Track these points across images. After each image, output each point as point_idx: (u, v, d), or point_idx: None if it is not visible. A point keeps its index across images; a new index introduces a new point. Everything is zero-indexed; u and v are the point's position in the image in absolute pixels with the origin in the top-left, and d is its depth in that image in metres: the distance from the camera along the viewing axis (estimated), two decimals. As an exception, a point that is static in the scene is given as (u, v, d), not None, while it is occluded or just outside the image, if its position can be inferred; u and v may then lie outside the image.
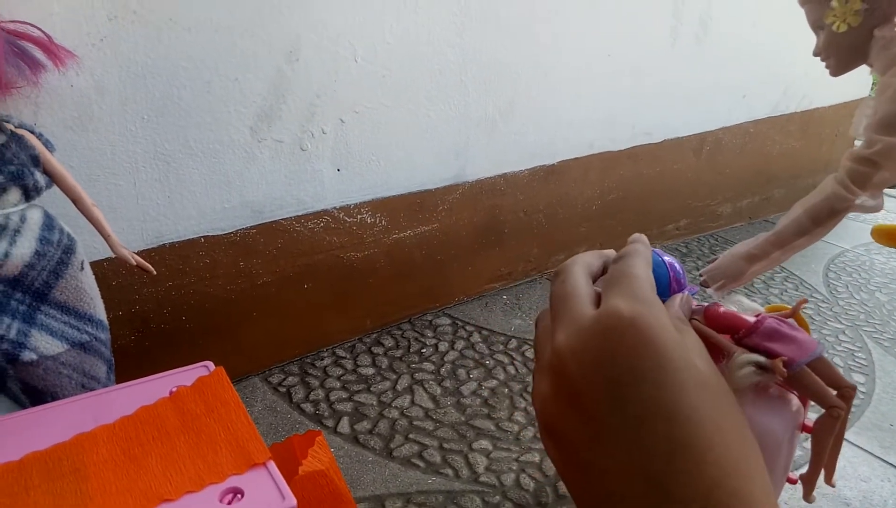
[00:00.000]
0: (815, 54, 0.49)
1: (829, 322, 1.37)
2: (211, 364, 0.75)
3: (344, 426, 1.00)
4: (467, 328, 1.27)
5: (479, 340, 1.24)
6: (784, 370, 0.68)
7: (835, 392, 0.74)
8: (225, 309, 1.02)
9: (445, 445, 0.97)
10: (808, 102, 1.89)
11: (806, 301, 0.79)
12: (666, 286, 0.44)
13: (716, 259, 0.58)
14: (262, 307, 1.07)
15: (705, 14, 1.49)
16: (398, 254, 1.20)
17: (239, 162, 0.97)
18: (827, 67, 0.48)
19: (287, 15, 0.94)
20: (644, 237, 0.38)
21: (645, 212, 1.59)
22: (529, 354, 1.20)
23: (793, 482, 0.79)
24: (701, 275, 0.62)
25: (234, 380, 1.08)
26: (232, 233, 1.00)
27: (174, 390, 0.66)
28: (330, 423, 1.01)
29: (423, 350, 1.19)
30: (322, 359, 1.16)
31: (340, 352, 1.18)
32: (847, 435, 1.05)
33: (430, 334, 1.24)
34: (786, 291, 1.49)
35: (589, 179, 1.46)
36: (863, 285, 1.55)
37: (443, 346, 1.21)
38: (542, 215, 1.41)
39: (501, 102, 1.25)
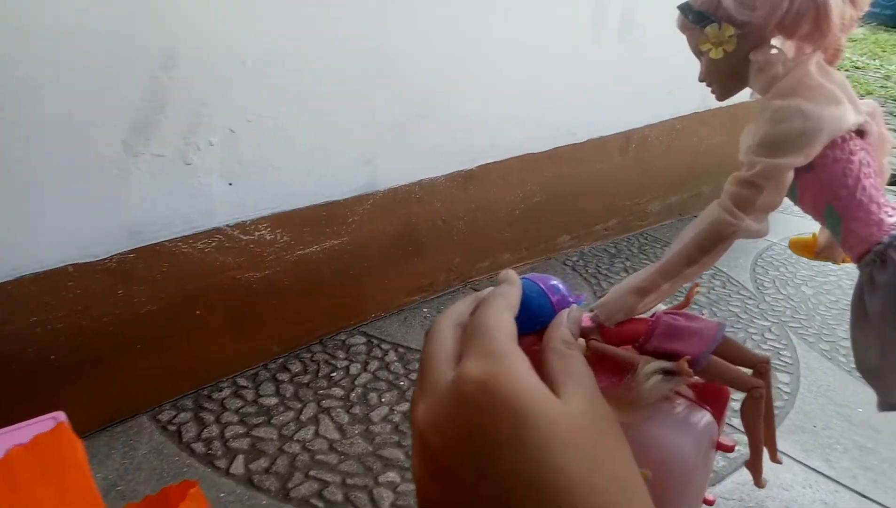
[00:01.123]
0: (700, 80, 0.48)
1: (755, 320, 1.35)
2: (61, 415, 0.65)
3: (238, 466, 0.92)
4: (383, 346, 1.20)
5: (395, 359, 1.16)
6: (690, 370, 0.64)
7: (750, 371, 0.71)
8: (103, 343, 0.92)
9: (349, 480, 0.90)
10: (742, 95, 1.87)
11: (698, 285, 0.75)
12: (550, 314, 0.39)
13: (604, 294, 0.53)
14: (149, 338, 0.97)
15: (627, 9, 1.45)
16: (304, 271, 1.12)
17: (111, 180, 0.87)
18: (712, 92, 0.48)
19: (160, 16, 0.84)
20: (511, 274, 0.37)
21: (571, 213, 1.54)
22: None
23: (709, 503, 0.76)
24: (591, 311, 0.57)
25: (118, 421, 0.99)
26: (107, 259, 0.90)
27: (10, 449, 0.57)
28: (222, 464, 0.92)
29: (333, 374, 1.11)
30: (221, 390, 1.07)
31: (242, 381, 1.09)
32: (771, 444, 1.02)
33: (342, 355, 1.16)
34: (713, 288, 1.47)
35: (510, 182, 1.40)
36: (789, 280, 1.54)
37: (354, 368, 1.13)
38: (463, 222, 1.35)
39: (413, 105, 1.18)
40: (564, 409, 0.25)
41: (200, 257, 0.99)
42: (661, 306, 0.77)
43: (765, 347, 1.25)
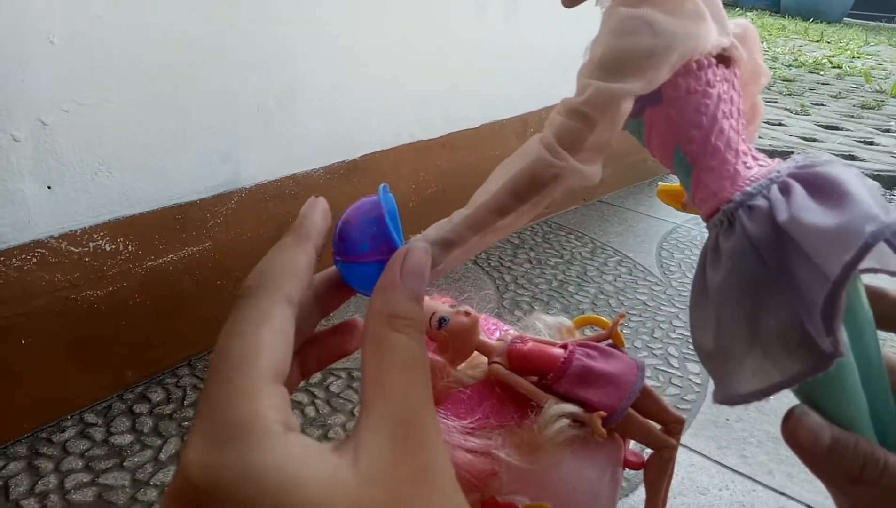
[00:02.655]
0: None
1: (663, 307, 1.29)
2: None
3: (75, 525, 0.77)
4: (261, 363, 1.06)
5: (274, 377, 1.03)
6: (603, 430, 0.56)
7: (660, 427, 0.63)
8: None
9: (209, 532, 0.76)
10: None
11: (623, 317, 0.66)
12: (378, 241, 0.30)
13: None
14: (-44, 378, 0.80)
15: (515, -16, 1.36)
16: (159, 285, 0.97)
17: None
18: None
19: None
20: (316, 207, 0.30)
21: (467, 201, 1.44)
22: (335, 388, 1.01)
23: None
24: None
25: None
26: None
27: None
28: (55, 524, 0.77)
29: (200, 401, 0.97)
30: (63, 431, 0.91)
31: (90, 417, 0.93)
32: (683, 439, 0.96)
33: (211, 377, 1.02)
34: (619, 276, 1.41)
35: (401, 173, 1.29)
36: (695, 262, 1.50)
37: (225, 392, 0.99)
38: (350, 219, 1.22)
39: (277, 90, 1.04)
40: (341, 478, 0.19)
41: (19, 277, 0.82)
42: (579, 335, 0.68)
43: (673, 335, 1.20)
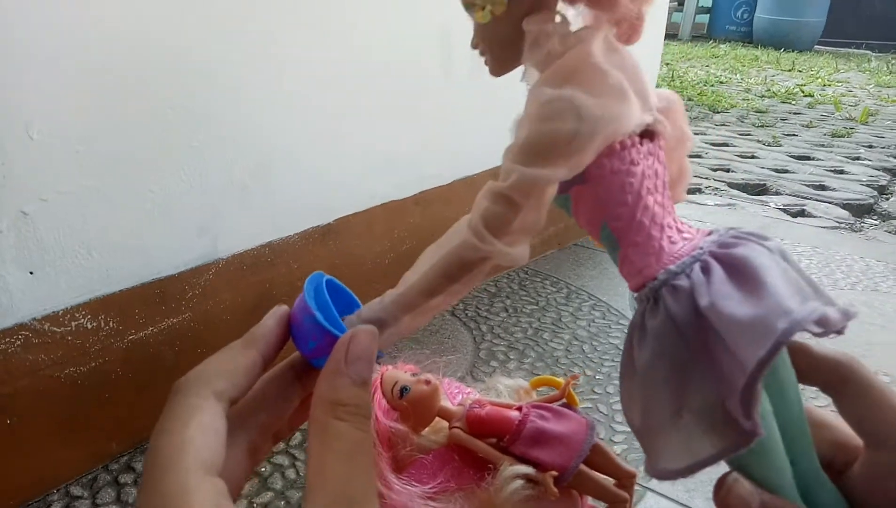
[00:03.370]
0: (472, 47, 0.37)
1: (636, 350, 1.33)
2: None
3: None
4: (242, 427, 1.09)
5: (256, 441, 1.06)
6: (555, 489, 0.59)
7: (614, 482, 0.66)
8: None
9: None
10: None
11: (576, 378, 0.70)
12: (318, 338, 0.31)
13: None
14: (-57, 462, 0.83)
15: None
16: (140, 358, 1.00)
17: None
18: (485, 63, 0.37)
19: None
20: (264, 324, 0.31)
21: (446, 257, 1.49)
22: (315, 448, 1.04)
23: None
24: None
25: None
26: None
27: None
28: None
29: (183, 469, 1.00)
30: (49, 506, 0.93)
31: (76, 490, 0.96)
32: (652, 484, 0.98)
33: (194, 444, 1.05)
34: (593, 321, 1.45)
35: (375, 232, 1.33)
36: (668, 302, 1.54)
37: (207, 459, 1.02)
38: (327, 280, 1.26)
39: (251, 163, 1.09)
40: None
41: (3, 360, 0.86)
42: (535, 395, 0.71)
43: (644, 378, 1.23)
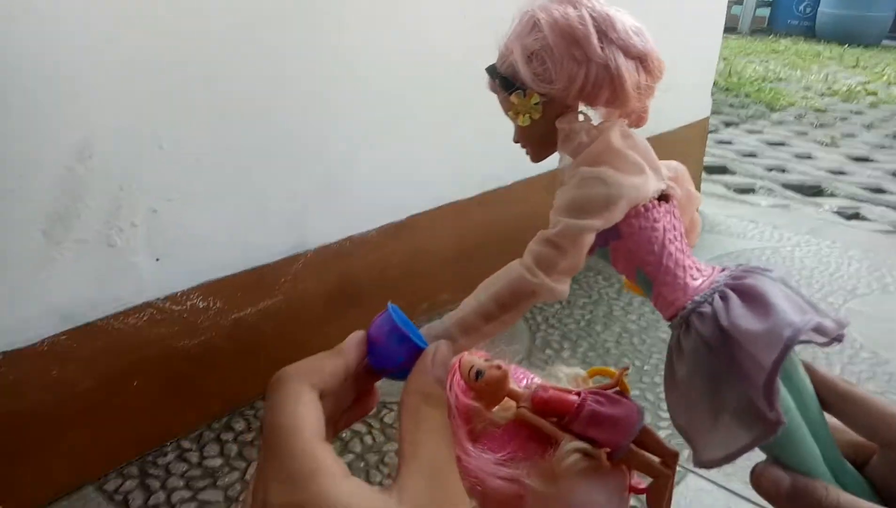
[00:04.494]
0: (514, 141, 0.46)
1: (681, 345, 1.42)
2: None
3: (183, 534, 0.94)
4: (324, 399, 1.23)
5: (336, 411, 1.20)
6: (608, 462, 0.69)
7: (658, 460, 0.76)
8: (41, 422, 0.94)
9: (289, 542, 0.93)
10: (655, 127, 1.97)
11: (627, 369, 0.80)
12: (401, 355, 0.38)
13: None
14: (88, 413, 0.99)
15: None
16: (240, 333, 1.15)
17: (35, 269, 0.90)
18: (526, 153, 0.47)
19: (71, 111, 0.88)
20: (351, 340, 0.36)
21: (504, 252, 1.59)
22: (388, 419, 1.18)
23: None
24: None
25: (64, 494, 1.01)
26: (38, 343, 0.92)
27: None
28: (167, 533, 0.95)
29: (275, 432, 1.15)
30: (165, 455, 1.09)
31: (186, 444, 1.12)
32: (692, 465, 1.08)
33: (283, 411, 1.20)
34: (643, 315, 1.54)
35: (442, 229, 1.46)
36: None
37: (295, 425, 1.16)
38: (399, 270, 1.40)
39: (336, 165, 1.23)
40: None
41: (133, 332, 1.02)
42: (591, 383, 0.82)
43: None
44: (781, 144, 3.35)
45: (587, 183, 0.40)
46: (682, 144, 2.13)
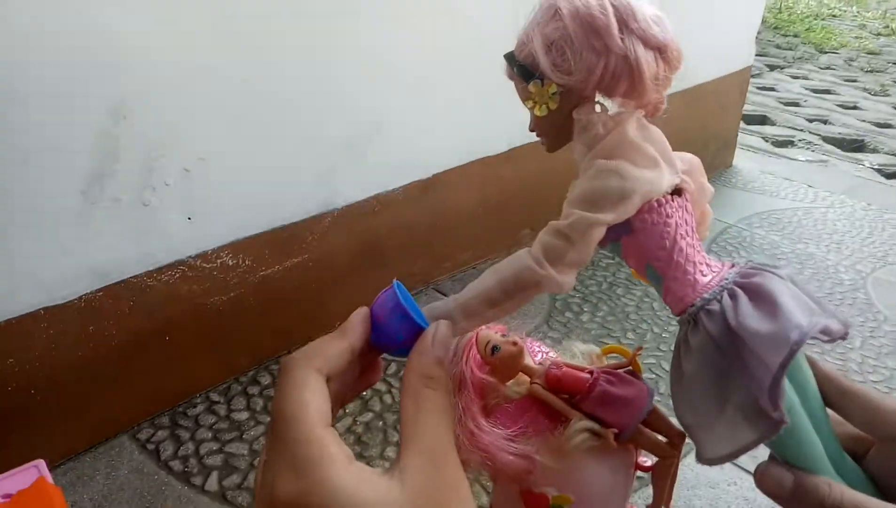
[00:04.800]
0: (530, 130, 0.45)
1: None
2: (41, 464, 0.73)
3: (212, 482, 1.00)
4: (348, 354, 1.27)
5: (359, 367, 1.23)
6: (615, 442, 0.71)
7: (665, 440, 0.78)
8: (79, 375, 0.99)
9: (313, 495, 0.98)
10: (693, 77, 1.91)
11: (641, 350, 0.81)
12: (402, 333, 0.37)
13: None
14: (122, 367, 1.04)
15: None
16: (268, 290, 1.18)
17: (73, 227, 0.93)
18: (542, 143, 0.46)
19: (109, 73, 0.88)
20: (355, 318, 0.34)
21: (530, 207, 1.59)
22: (409, 377, 1.21)
23: (633, 512, 0.84)
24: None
25: (99, 442, 1.07)
26: (76, 300, 0.96)
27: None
28: (198, 481, 1.00)
29: (301, 386, 1.19)
30: (195, 406, 1.14)
31: (214, 396, 1.17)
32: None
33: (309, 365, 1.23)
34: (667, 279, 1.53)
35: (469, 186, 1.45)
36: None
37: (320, 379, 1.20)
38: (423, 228, 1.40)
39: (363, 124, 1.22)
40: (392, 495, 0.25)
41: (166, 289, 1.05)
42: (605, 360, 0.83)
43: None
44: (827, 91, 3.22)
45: (602, 176, 0.40)
46: (720, 96, 2.06)
